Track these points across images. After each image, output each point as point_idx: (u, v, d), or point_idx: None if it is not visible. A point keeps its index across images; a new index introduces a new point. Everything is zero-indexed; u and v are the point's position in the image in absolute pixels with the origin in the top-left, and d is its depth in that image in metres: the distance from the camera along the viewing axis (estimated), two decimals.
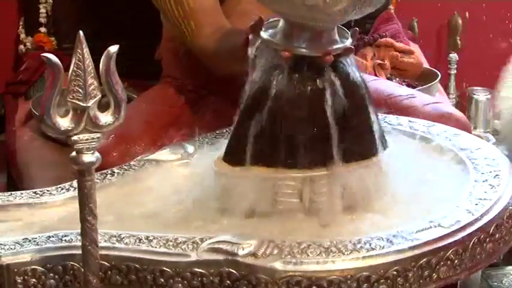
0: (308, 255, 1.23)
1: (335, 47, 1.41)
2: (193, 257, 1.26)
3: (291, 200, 1.39)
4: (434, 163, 1.56)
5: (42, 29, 2.51)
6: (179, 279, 1.26)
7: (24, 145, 2.20)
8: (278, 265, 1.22)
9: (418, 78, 2.49)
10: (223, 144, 1.54)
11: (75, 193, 1.17)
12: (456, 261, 1.28)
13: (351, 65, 1.45)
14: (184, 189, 1.53)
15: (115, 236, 1.32)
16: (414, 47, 2.67)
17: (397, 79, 2.45)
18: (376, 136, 1.44)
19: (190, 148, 1.64)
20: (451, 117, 1.92)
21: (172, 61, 2.07)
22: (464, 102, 2.96)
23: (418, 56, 2.55)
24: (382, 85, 2.06)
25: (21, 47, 2.54)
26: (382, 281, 1.22)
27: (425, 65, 2.59)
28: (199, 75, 2.01)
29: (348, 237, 1.28)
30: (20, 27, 2.56)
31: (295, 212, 1.39)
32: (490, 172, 1.45)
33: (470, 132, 1.95)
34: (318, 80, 1.40)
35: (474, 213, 1.33)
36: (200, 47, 1.87)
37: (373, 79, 2.09)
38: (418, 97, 2.00)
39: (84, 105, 1.10)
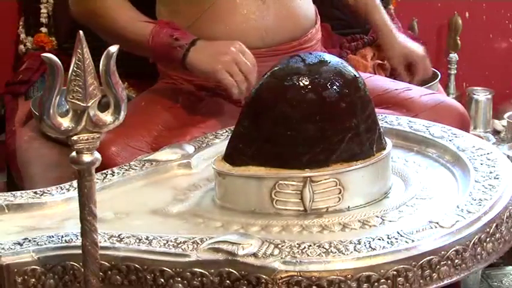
0: (308, 255, 1.23)
1: None
2: (193, 257, 1.26)
3: (291, 200, 1.39)
4: (434, 163, 1.57)
5: (43, 29, 2.51)
6: (179, 279, 1.26)
7: (24, 145, 2.20)
8: (278, 265, 1.22)
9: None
10: (223, 144, 1.54)
11: (75, 193, 1.17)
12: (456, 261, 1.28)
13: (348, 65, 1.46)
14: (184, 189, 1.53)
15: (115, 236, 1.32)
16: None
17: (397, 79, 2.44)
18: (376, 136, 1.44)
19: (190, 148, 1.64)
20: (448, 106, 1.94)
21: None
22: (464, 102, 2.96)
23: None
24: (377, 81, 2.08)
25: (21, 47, 2.54)
26: (382, 281, 1.22)
27: None
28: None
29: (347, 238, 1.28)
30: (20, 27, 2.56)
31: (295, 212, 1.39)
32: (490, 172, 1.45)
33: (468, 122, 1.98)
34: (317, 80, 1.40)
35: (474, 213, 1.33)
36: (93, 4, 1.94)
37: (368, 76, 2.10)
38: (414, 89, 2.03)
39: (84, 105, 1.10)
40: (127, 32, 1.94)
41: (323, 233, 1.34)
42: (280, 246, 1.25)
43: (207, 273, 1.24)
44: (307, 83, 1.40)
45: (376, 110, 1.50)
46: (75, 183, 1.42)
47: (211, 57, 1.87)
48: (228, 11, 1.97)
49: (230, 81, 1.85)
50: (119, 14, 1.96)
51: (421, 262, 1.24)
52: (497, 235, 1.34)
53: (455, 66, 3.02)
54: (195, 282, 1.25)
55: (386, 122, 1.67)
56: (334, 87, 1.40)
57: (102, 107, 1.12)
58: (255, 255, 1.24)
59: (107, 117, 1.13)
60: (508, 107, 2.93)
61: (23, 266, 1.29)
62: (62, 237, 1.33)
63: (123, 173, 1.56)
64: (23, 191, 1.51)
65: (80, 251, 1.19)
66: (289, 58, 1.48)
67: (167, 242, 1.29)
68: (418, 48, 2.26)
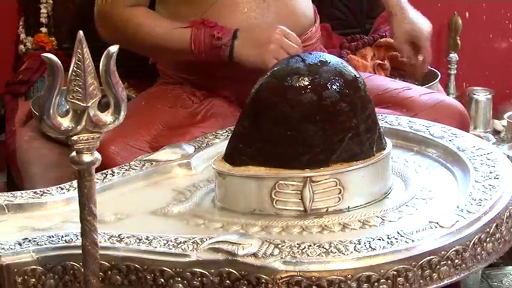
0: (308, 255, 1.23)
1: None
2: (193, 257, 1.26)
3: (291, 200, 1.39)
4: (434, 163, 1.57)
5: (43, 29, 2.51)
6: (179, 279, 1.26)
7: (24, 145, 2.20)
8: (278, 265, 1.22)
9: (418, 78, 2.49)
10: (223, 144, 1.54)
11: (75, 193, 1.17)
12: (456, 261, 1.28)
13: (348, 65, 1.46)
14: (184, 190, 1.53)
15: (115, 236, 1.32)
16: None
17: (397, 79, 2.45)
18: (376, 136, 1.44)
19: (190, 148, 1.64)
20: (448, 105, 1.95)
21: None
22: (464, 102, 2.96)
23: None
24: (377, 81, 2.08)
25: (21, 47, 2.54)
26: (382, 281, 1.22)
27: None
28: (196, 70, 2.01)
29: (347, 238, 1.28)
30: (20, 27, 2.56)
31: (295, 212, 1.39)
32: (490, 172, 1.45)
33: (468, 121, 1.99)
34: (317, 81, 1.40)
35: (474, 213, 1.33)
36: (124, 13, 1.95)
37: (368, 76, 2.11)
38: (413, 89, 2.03)
39: (84, 105, 1.10)
40: (165, 43, 1.95)
41: (323, 233, 1.34)
42: (280, 246, 1.25)
43: (207, 273, 1.25)
44: (307, 83, 1.40)
45: (376, 109, 1.50)
46: (75, 183, 1.42)
47: (257, 48, 1.90)
48: (228, 9, 1.97)
49: None
50: (152, 28, 1.96)
51: (421, 262, 1.24)
52: (497, 235, 1.34)
53: (455, 66, 3.02)
54: (195, 282, 1.25)
55: (386, 122, 1.67)
56: (334, 87, 1.40)
57: (102, 107, 1.12)
58: (255, 255, 1.24)
59: (107, 117, 1.13)
60: (508, 107, 2.93)
61: (23, 266, 1.28)
62: (62, 237, 1.33)
63: (123, 173, 1.56)
64: (23, 191, 1.51)
65: (80, 251, 1.18)
66: (289, 58, 1.48)
67: (167, 242, 1.29)
68: (424, 27, 2.19)
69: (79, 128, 1.11)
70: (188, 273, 1.25)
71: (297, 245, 1.25)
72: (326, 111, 1.39)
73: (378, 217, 1.38)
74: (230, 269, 1.24)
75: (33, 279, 1.29)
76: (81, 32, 1.09)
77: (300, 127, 1.39)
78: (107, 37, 2.00)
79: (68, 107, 1.10)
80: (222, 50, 1.91)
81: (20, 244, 1.31)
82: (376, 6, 2.67)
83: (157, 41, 1.96)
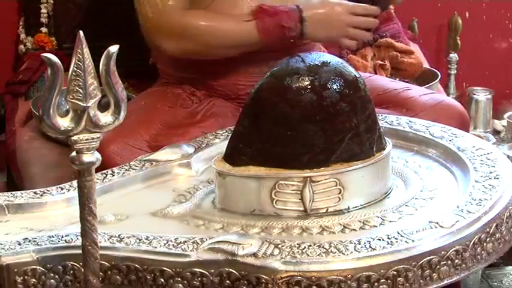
0: (308, 255, 1.23)
1: None
2: (193, 257, 1.26)
3: (291, 200, 1.39)
4: (434, 163, 1.57)
5: (43, 29, 2.51)
6: (179, 279, 1.26)
7: (24, 145, 2.20)
8: (278, 265, 1.22)
9: (418, 78, 2.49)
10: (223, 144, 1.54)
11: (75, 193, 1.17)
12: (456, 261, 1.28)
13: (348, 65, 1.46)
14: (184, 190, 1.53)
15: (115, 236, 1.32)
16: (414, 47, 2.67)
17: (397, 79, 2.45)
18: (376, 136, 1.44)
19: (190, 148, 1.64)
20: (448, 105, 1.95)
21: (168, 59, 2.07)
22: (464, 102, 2.96)
23: (418, 56, 2.56)
24: (377, 81, 2.08)
25: (21, 47, 2.54)
26: (382, 281, 1.22)
27: (425, 65, 2.59)
28: (197, 68, 2.01)
29: (347, 238, 1.28)
30: (20, 27, 2.56)
31: (295, 212, 1.39)
32: (490, 172, 1.45)
33: (468, 122, 2.00)
34: (317, 81, 1.40)
35: (474, 213, 1.33)
36: (183, 19, 1.92)
37: (368, 76, 2.11)
38: (413, 89, 2.04)
39: (84, 105, 1.10)
40: (233, 39, 1.93)
41: (323, 234, 1.34)
42: (280, 246, 1.25)
43: (207, 273, 1.25)
44: (307, 83, 1.40)
45: (376, 110, 1.50)
46: (75, 183, 1.42)
47: (325, 29, 1.96)
48: (228, 7, 1.96)
49: (349, 43, 2.01)
50: (215, 28, 1.93)
51: (421, 262, 1.24)
52: (497, 235, 1.34)
53: (455, 66, 3.02)
54: (195, 282, 1.25)
55: (386, 122, 1.67)
56: (334, 87, 1.40)
57: (102, 107, 1.12)
58: (255, 255, 1.24)
59: (106, 117, 1.13)
60: (508, 107, 2.93)
61: (23, 266, 1.28)
62: (62, 237, 1.33)
63: (123, 173, 1.56)
64: (23, 191, 1.51)
65: (80, 251, 1.18)
66: (289, 58, 1.48)
67: (167, 242, 1.29)
68: None
69: (79, 128, 1.11)
70: (188, 273, 1.25)
71: (297, 245, 1.25)
72: (326, 111, 1.39)
73: (378, 217, 1.37)
74: (230, 269, 1.24)
75: (33, 279, 1.29)
76: (81, 32, 1.09)
77: (300, 127, 1.39)
78: (174, 49, 1.96)
79: (68, 107, 1.10)
80: (293, 37, 1.94)
81: (20, 244, 1.31)
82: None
83: (225, 42, 1.94)
